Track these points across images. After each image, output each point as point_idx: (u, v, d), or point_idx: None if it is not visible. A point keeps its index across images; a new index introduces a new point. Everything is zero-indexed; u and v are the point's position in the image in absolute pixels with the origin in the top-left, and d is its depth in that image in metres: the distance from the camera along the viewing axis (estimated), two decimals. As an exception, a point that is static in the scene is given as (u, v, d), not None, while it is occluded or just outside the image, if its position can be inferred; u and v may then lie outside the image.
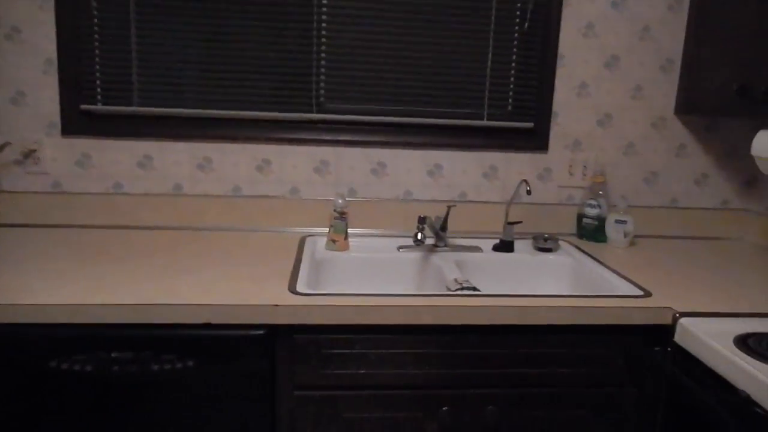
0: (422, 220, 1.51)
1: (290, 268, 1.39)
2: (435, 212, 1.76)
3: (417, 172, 1.80)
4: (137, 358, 1.16)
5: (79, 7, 1.65)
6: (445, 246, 1.62)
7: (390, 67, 1.74)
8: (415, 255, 1.60)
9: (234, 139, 1.75)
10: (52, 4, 1.63)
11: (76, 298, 1.15)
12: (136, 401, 1.19)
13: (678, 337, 1.14)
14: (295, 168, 1.77)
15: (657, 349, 1.20)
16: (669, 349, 1.17)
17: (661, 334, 1.20)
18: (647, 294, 1.27)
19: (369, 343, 1.20)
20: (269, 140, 1.76)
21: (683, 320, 1.14)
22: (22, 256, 1.41)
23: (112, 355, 1.15)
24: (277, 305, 1.16)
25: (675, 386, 1.15)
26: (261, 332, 1.18)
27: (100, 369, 1.16)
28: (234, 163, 1.76)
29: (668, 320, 1.18)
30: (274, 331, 1.19)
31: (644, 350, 1.23)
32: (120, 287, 1.22)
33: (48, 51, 1.66)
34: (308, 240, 1.65)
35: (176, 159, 1.74)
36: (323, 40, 1.71)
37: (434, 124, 1.78)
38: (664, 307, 1.19)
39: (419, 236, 1.50)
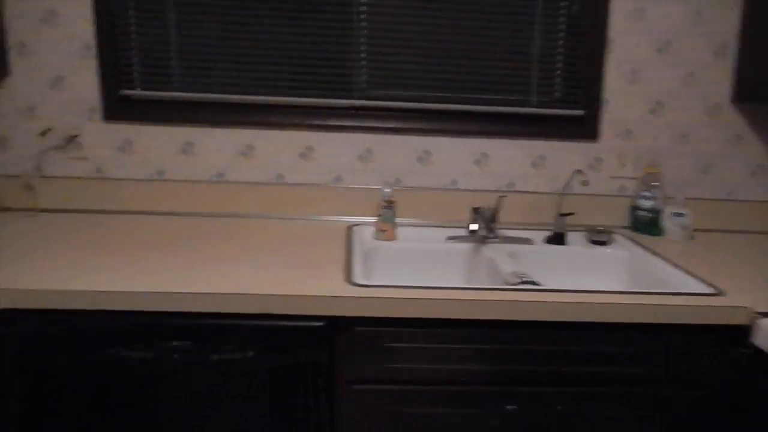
0: (476, 211, 1.47)
1: (341, 257, 1.36)
2: (483, 202, 1.72)
3: (463, 161, 1.76)
4: (196, 347, 1.13)
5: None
6: (495, 237, 1.58)
7: (434, 53, 1.69)
8: (464, 246, 1.56)
9: (277, 125, 1.71)
10: (92, -15, 1.59)
11: (131, 286, 1.13)
12: (195, 390, 1.16)
13: (757, 339, 1.10)
14: (339, 156, 1.73)
15: (735, 350, 1.15)
16: (745, 350, 1.13)
17: (735, 334, 1.15)
18: (719, 292, 1.22)
19: (430, 337, 1.17)
20: (312, 127, 1.71)
21: (763, 321, 1.09)
22: (70, 242, 1.39)
23: (173, 343, 1.13)
24: (337, 296, 1.13)
25: (752, 389, 1.11)
26: (321, 324, 1.15)
27: (159, 357, 1.13)
28: (277, 150, 1.72)
29: (745, 320, 1.14)
30: (334, 322, 1.16)
31: (716, 351, 1.18)
32: (173, 275, 1.19)
33: (85, 34, 1.62)
34: (355, 229, 1.61)
35: (218, 145, 1.71)
36: (365, 24, 1.66)
37: (480, 112, 1.73)
38: (740, 307, 1.15)
39: (474, 227, 1.45)
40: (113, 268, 1.23)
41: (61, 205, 1.68)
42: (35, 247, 1.36)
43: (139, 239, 1.44)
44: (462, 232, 1.61)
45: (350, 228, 1.63)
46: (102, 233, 1.48)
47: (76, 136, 1.66)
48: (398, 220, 1.70)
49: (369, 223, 1.67)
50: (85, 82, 1.65)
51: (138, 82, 1.67)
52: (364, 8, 1.65)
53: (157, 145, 1.69)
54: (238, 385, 1.17)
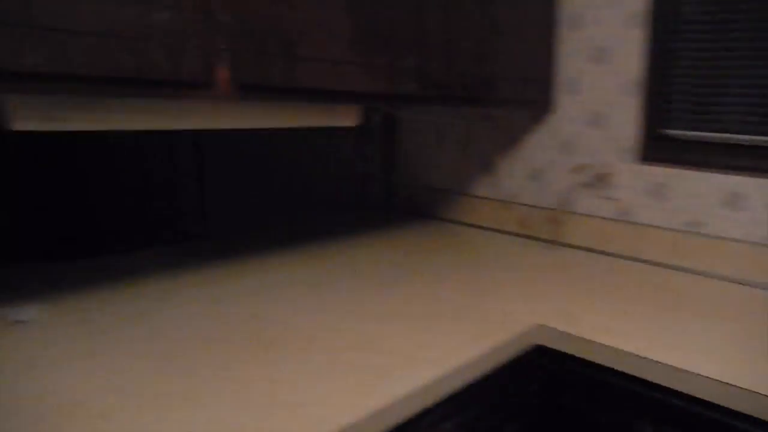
0: None
1: None
2: None
3: None
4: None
5: (671, 25, 1.47)
6: None
7: None
8: None
9: None
10: (642, 20, 1.51)
11: (674, 360, 0.96)
12: None
13: None
14: None
15: None
16: None
17: None
18: None
19: None
20: None
21: None
22: (592, 285, 1.34)
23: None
24: None
25: None
26: None
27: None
28: None
29: None
30: None
31: None
32: (720, 358, 0.96)
33: (633, 71, 1.55)
34: None
35: (776, 201, 1.37)
36: None
37: None
38: None
39: None
40: (645, 331, 1.09)
41: (581, 243, 1.68)
42: (558, 282, 1.36)
43: (665, 298, 1.27)
44: None
45: None
46: (623, 282, 1.38)
47: (608, 174, 1.62)
48: None
49: None
50: (624, 120, 1.59)
51: (682, 121, 1.50)
52: None
53: (695, 192, 1.48)
54: None
